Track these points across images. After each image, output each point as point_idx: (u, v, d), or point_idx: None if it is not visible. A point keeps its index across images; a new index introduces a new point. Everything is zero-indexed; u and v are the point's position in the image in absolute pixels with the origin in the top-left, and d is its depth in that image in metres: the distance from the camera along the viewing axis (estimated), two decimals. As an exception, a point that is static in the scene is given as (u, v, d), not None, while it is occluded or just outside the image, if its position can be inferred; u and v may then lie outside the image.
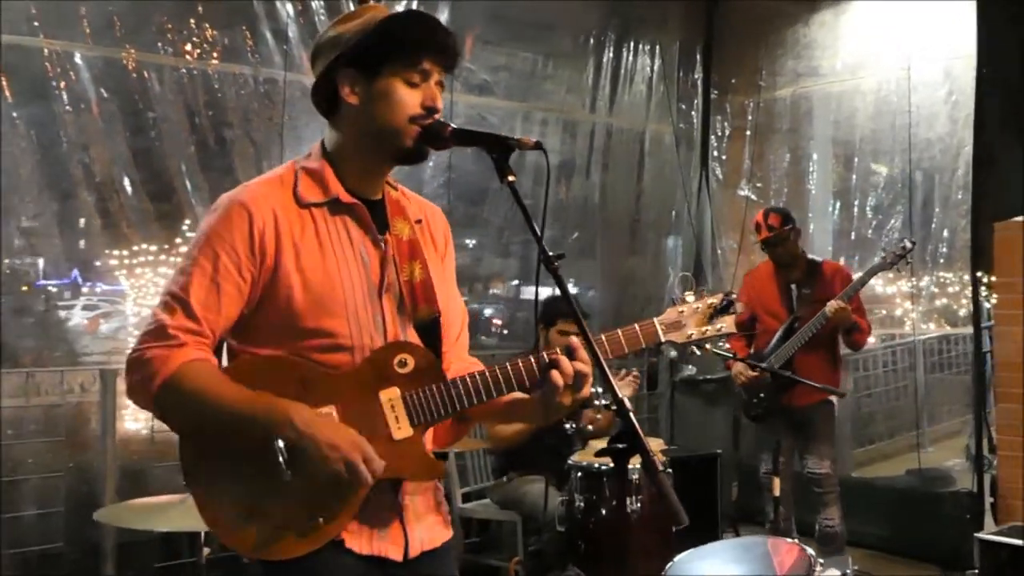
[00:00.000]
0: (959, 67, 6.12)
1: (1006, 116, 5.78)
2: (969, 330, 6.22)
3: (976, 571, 5.04)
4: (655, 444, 5.23)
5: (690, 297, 2.25)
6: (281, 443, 1.95)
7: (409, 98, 2.08)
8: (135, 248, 5.09)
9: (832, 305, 5.01)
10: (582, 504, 4.45)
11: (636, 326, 2.19)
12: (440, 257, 2.32)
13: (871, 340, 8.07)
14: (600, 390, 5.06)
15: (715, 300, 2.24)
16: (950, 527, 5.89)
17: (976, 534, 5.07)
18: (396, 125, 2.08)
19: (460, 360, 2.30)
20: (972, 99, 5.91)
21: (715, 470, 6.13)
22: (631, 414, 1.92)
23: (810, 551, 3.42)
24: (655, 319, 2.22)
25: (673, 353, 7.04)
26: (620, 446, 1.93)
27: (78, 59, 4.89)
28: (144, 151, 5.12)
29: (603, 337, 2.16)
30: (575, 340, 2.07)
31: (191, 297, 2.01)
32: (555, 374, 2.05)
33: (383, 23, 2.08)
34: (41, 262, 5.08)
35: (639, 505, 4.43)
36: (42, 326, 4.84)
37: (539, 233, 2.00)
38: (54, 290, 5.08)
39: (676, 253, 7.57)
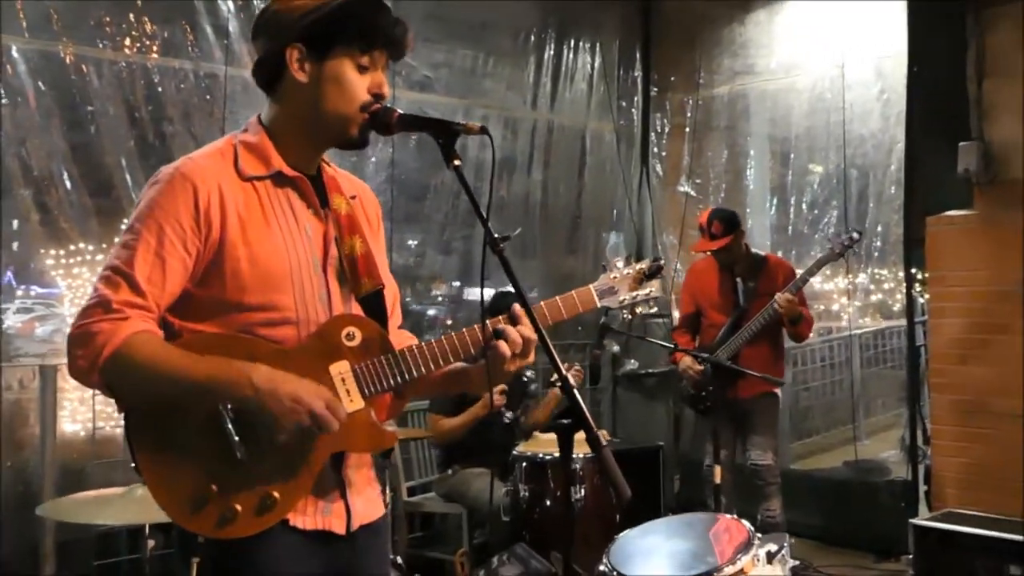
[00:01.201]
0: (890, 65, 6.25)
1: (935, 113, 5.93)
2: (903, 323, 6.37)
3: (910, 556, 5.17)
4: (599, 433, 5.29)
5: (620, 263, 2.33)
6: (230, 412, 1.95)
7: (359, 83, 2.09)
8: (72, 247, 5.00)
9: (782, 297, 5.08)
10: (527, 494, 4.51)
11: (573, 293, 2.28)
12: (373, 233, 2.34)
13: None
14: (535, 384, 5.14)
15: (644, 266, 2.35)
16: (886, 515, 6.03)
17: (910, 520, 5.22)
18: (345, 111, 2.09)
19: (395, 334, 2.31)
20: (903, 97, 6.06)
21: (658, 462, 6.21)
22: (575, 391, 1.96)
23: (748, 526, 3.49)
24: (590, 285, 2.31)
25: (616, 347, 7.12)
26: (564, 422, 1.98)
27: (15, 52, 4.81)
28: (83, 146, 5.03)
29: (542, 304, 2.23)
30: (518, 308, 2.11)
31: (136, 271, 1.98)
32: (502, 344, 2.10)
33: (342, 5, 2.07)
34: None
35: (583, 494, 4.49)
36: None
37: (485, 216, 2.01)
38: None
39: (617, 250, 7.63)
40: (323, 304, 2.12)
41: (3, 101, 4.79)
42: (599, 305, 2.30)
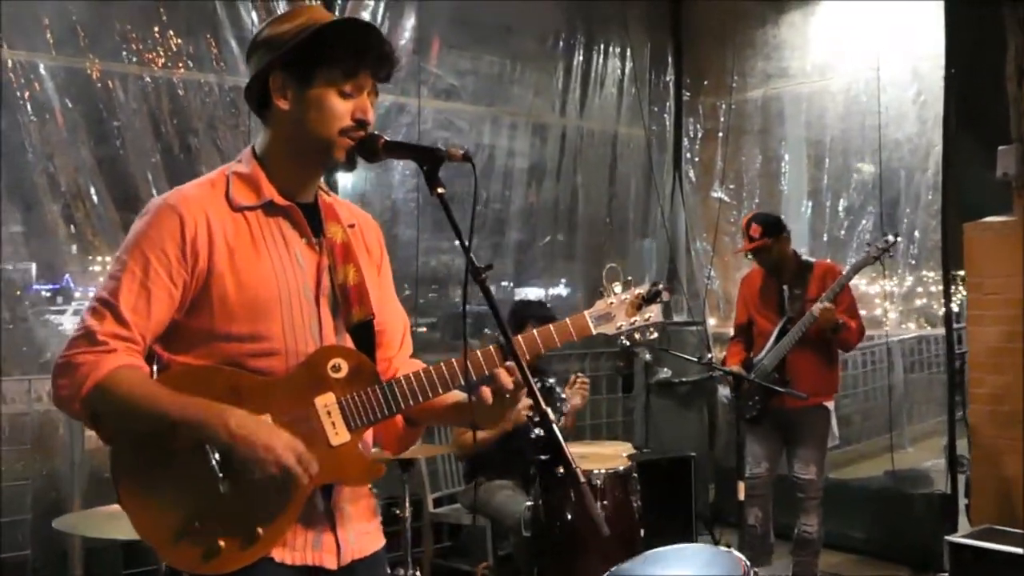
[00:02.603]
0: (927, 67, 6.12)
1: (974, 116, 5.80)
2: (942, 331, 6.24)
3: (946, 574, 5.05)
4: (621, 448, 5.23)
5: (618, 288, 2.27)
6: (216, 452, 1.95)
7: (341, 109, 2.07)
8: (100, 259, 5.06)
9: (818, 307, 4.96)
10: (547, 509, 4.46)
11: (567, 320, 2.23)
12: (376, 265, 2.32)
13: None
14: (564, 395, 5.10)
15: (642, 290, 2.27)
16: (924, 529, 5.90)
17: (946, 537, 5.10)
18: (327, 136, 2.08)
19: (405, 365, 2.30)
20: (940, 99, 5.93)
21: (689, 472, 6.14)
22: (554, 426, 1.92)
23: (745, 561, 3.40)
24: (586, 312, 2.25)
25: (648, 356, 7.04)
26: (543, 457, 1.94)
27: (42, 69, 4.87)
28: (109, 160, 5.08)
29: (535, 332, 2.18)
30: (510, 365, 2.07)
31: (120, 302, 1.99)
32: (485, 391, 2.09)
33: (320, 30, 2.06)
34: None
35: (602, 510, 4.43)
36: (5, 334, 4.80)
37: (467, 244, 2.00)
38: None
39: (650, 256, 7.56)
40: (313, 334, 2.10)
41: (31, 117, 4.85)
42: (594, 332, 2.24)
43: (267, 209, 2.11)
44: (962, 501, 5.88)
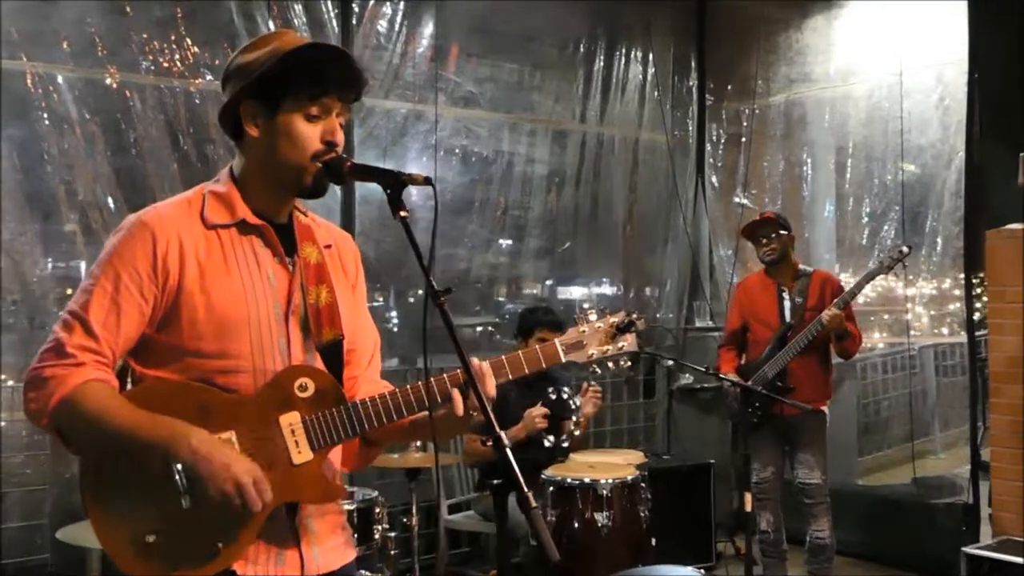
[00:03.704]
0: (950, 72, 6.05)
1: (997, 122, 5.71)
2: (964, 338, 6.16)
3: (963, 584, 5.00)
4: (632, 457, 5.22)
5: (592, 316, 2.28)
6: (180, 467, 1.98)
7: (309, 133, 2.09)
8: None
9: (827, 313, 4.98)
10: (554, 518, 4.46)
11: (537, 348, 2.24)
12: (351, 284, 2.34)
13: (880, 346, 8.03)
14: (577, 404, 5.09)
15: (616, 319, 2.27)
16: (945, 539, 5.81)
17: (962, 548, 5.04)
18: (297, 163, 2.10)
19: (372, 383, 2.32)
20: (964, 105, 5.85)
21: (708, 479, 6.12)
22: (507, 449, 1.92)
23: None
24: (556, 340, 2.26)
25: (670, 361, 7.01)
26: (496, 481, 1.95)
27: (60, 80, 4.95)
28: (127, 170, 5.15)
29: (503, 359, 2.21)
30: (475, 366, 2.10)
31: (90, 316, 2.02)
32: (440, 413, 2.14)
33: (286, 56, 2.08)
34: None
35: (609, 520, 4.43)
36: (25, 342, 4.88)
37: (427, 267, 1.98)
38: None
39: (672, 262, 7.52)
40: (282, 353, 2.12)
41: (49, 128, 4.93)
42: (563, 360, 2.25)
43: (240, 228, 2.14)
44: (985, 511, 5.81)
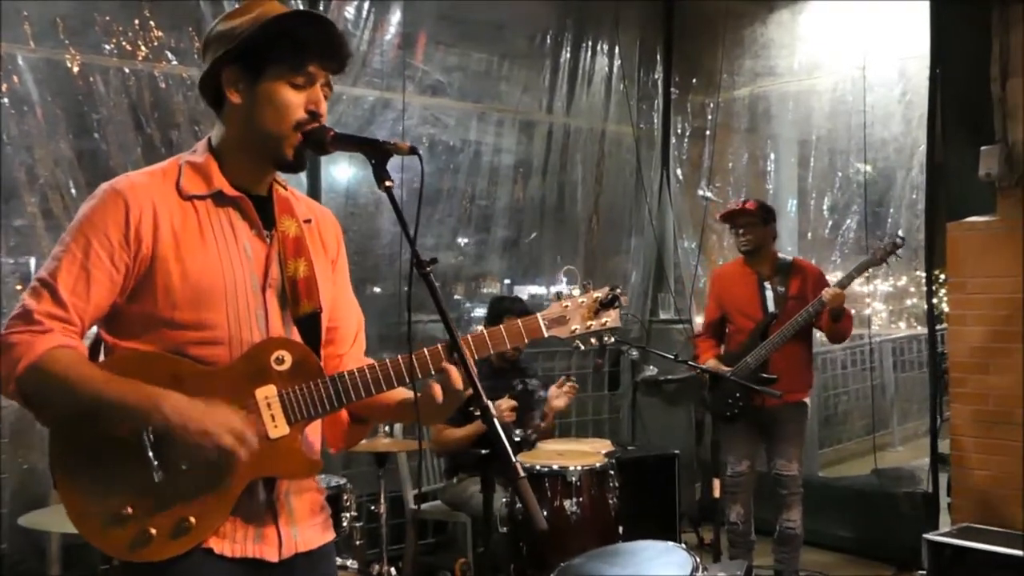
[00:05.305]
0: (913, 67, 6.12)
1: (958, 116, 5.77)
2: (925, 331, 6.23)
3: (925, 571, 5.05)
4: (600, 445, 5.22)
5: (575, 291, 2.26)
6: (149, 434, 1.94)
7: (293, 101, 2.07)
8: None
9: (829, 291, 4.96)
10: (523, 506, 4.45)
11: (519, 321, 2.21)
12: (331, 261, 2.32)
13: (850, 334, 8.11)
14: (543, 396, 5.09)
15: (600, 294, 2.25)
16: (907, 527, 5.89)
17: (923, 535, 5.10)
18: (279, 131, 2.07)
19: (358, 361, 2.29)
20: (926, 99, 5.91)
21: (673, 470, 6.14)
22: (495, 420, 1.90)
23: (695, 559, 3.40)
24: (538, 314, 2.24)
25: (634, 353, 7.02)
26: (483, 451, 1.93)
27: (20, 61, 4.84)
28: (89, 153, 5.06)
29: (484, 332, 2.18)
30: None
31: (59, 283, 1.98)
32: (436, 387, 2.08)
33: (270, 22, 2.05)
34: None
35: (577, 507, 4.44)
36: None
37: (412, 236, 1.98)
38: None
39: (637, 254, 7.54)
40: (259, 325, 2.09)
41: (10, 110, 4.82)
42: (546, 335, 2.22)
43: (217, 199, 2.11)
44: (944, 500, 5.88)
